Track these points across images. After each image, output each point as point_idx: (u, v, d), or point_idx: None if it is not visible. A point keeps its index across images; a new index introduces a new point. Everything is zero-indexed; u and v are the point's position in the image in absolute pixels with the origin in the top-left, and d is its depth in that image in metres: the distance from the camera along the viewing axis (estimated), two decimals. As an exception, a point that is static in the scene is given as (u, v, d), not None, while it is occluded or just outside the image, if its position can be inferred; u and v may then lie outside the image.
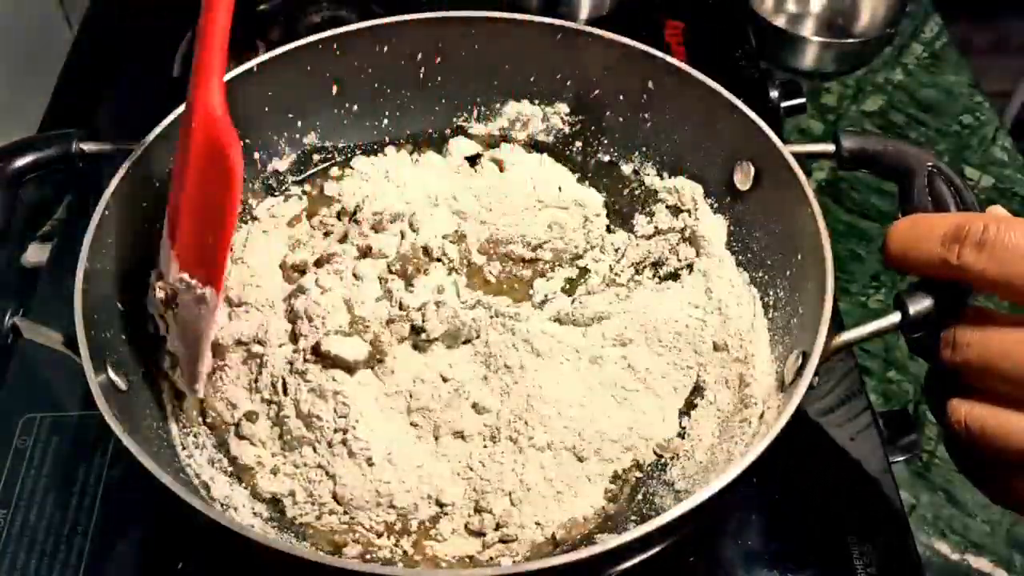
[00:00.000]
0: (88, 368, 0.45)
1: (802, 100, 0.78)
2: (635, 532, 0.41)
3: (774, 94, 0.77)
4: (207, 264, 0.48)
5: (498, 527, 0.51)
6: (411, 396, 0.54)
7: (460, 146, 0.66)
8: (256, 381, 0.54)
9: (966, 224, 0.43)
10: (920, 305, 0.46)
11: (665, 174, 0.65)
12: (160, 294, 0.51)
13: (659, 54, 0.61)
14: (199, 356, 0.51)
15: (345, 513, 0.51)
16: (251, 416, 0.53)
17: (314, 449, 0.52)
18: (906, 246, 0.46)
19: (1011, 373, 0.42)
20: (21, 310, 0.48)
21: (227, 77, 0.58)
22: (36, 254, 0.75)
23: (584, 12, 0.90)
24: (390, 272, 0.57)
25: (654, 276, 0.63)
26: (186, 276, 0.49)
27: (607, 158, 0.67)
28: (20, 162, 0.54)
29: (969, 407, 0.44)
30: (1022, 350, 0.42)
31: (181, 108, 0.56)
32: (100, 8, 0.95)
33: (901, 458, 0.62)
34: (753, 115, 0.57)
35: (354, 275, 0.56)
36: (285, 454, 0.53)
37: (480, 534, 0.51)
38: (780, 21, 0.96)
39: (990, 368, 0.43)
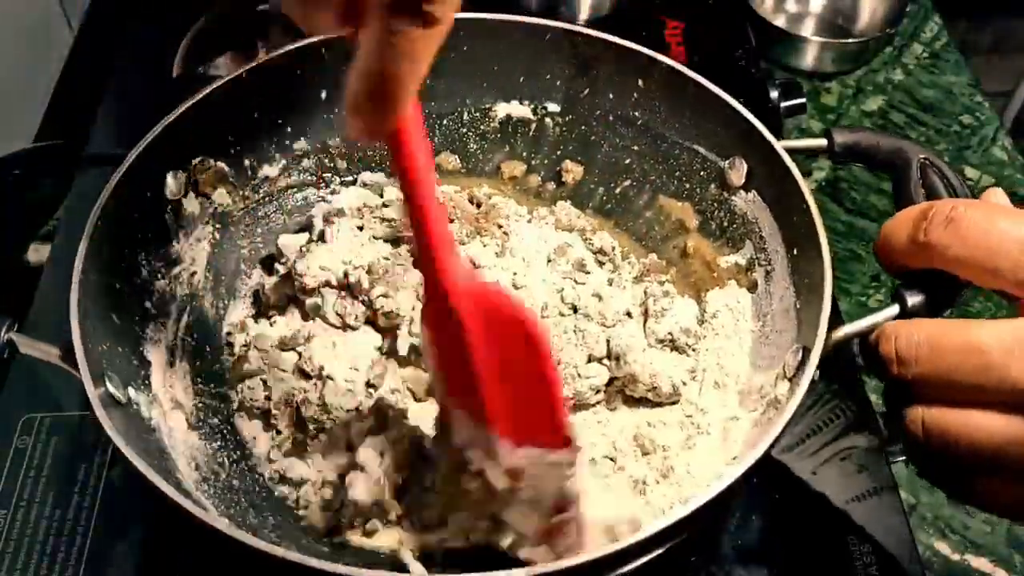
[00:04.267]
0: (88, 383, 0.45)
1: (802, 100, 0.78)
2: (634, 537, 0.41)
3: (774, 94, 0.77)
4: (549, 429, 0.44)
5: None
6: None
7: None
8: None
9: (934, 206, 0.44)
10: (918, 298, 0.46)
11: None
12: (501, 482, 0.46)
13: (648, 52, 0.61)
14: (571, 523, 0.47)
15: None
16: None
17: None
18: (884, 238, 0.46)
19: (963, 383, 0.42)
20: (17, 325, 0.48)
21: (215, 86, 0.58)
22: (36, 254, 0.75)
23: (584, 13, 0.90)
24: None
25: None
26: (532, 450, 0.45)
27: (598, 156, 0.67)
28: (12, 174, 0.54)
29: (926, 411, 0.43)
30: (968, 360, 0.41)
31: (173, 115, 0.56)
32: (100, 8, 0.95)
33: (901, 458, 0.62)
34: (744, 111, 0.57)
35: None
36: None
37: None
38: (780, 21, 0.96)
39: (943, 381, 0.42)
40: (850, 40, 0.94)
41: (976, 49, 1.43)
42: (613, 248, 0.64)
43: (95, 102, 0.82)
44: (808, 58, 0.92)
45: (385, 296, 0.57)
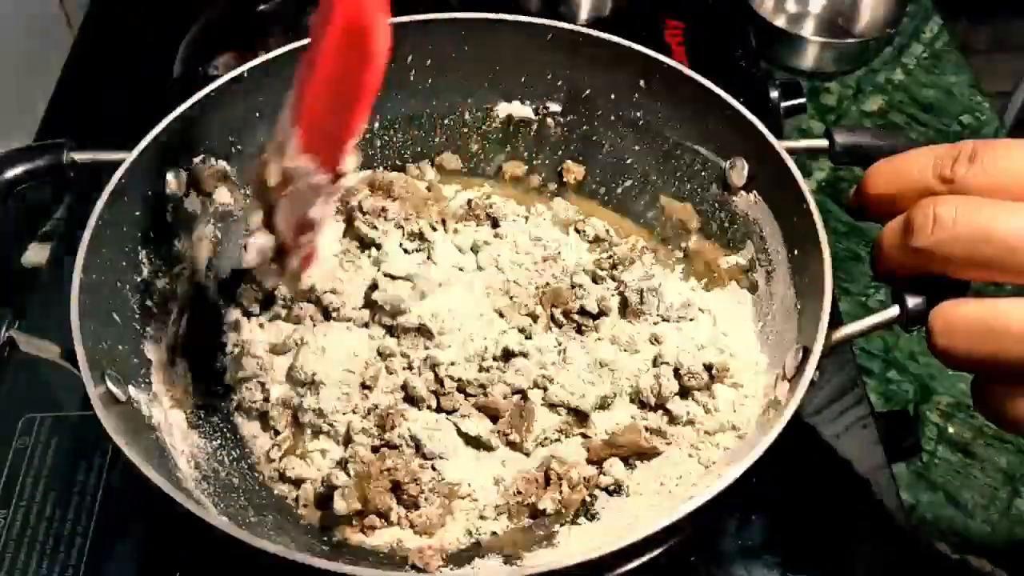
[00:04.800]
0: (88, 382, 0.45)
1: (802, 100, 0.78)
2: (635, 535, 0.41)
3: (774, 94, 0.77)
4: (330, 147, 0.46)
5: None
6: None
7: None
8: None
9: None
10: (918, 299, 0.46)
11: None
12: (274, 176, 0.47)
13: (649, 52, 0.61)
14: (308, 246, 0.49)
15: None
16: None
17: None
18: (892, 181, 0.46)
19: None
20: (17, 323, 0.48)
21: (215, 85, 0.58)
22: (36, 254, 0.75)
23: (584, 13, 0.90)
24: None
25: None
26: (305, 160, 0.46)
27: (599, 156, 0.67)
28: (9, 173, 0.53)
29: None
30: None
31: (174, 115, 0.56)
32: (100, 8, 0.95)
33: (901, 459, 0.62)
34: (745, 111, 0.57)
35: None
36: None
37: None
38: (780, 21, 0.96)
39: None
40: (850, 40, 0.94)
41: (976, 49, 1.42)
42: (607, 231, 0.65)
43: (95, 103, 0.82)
44: (808, 58, 0.92)
45: (334, 292, 0.57)
